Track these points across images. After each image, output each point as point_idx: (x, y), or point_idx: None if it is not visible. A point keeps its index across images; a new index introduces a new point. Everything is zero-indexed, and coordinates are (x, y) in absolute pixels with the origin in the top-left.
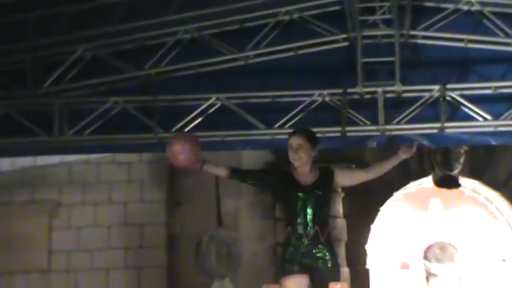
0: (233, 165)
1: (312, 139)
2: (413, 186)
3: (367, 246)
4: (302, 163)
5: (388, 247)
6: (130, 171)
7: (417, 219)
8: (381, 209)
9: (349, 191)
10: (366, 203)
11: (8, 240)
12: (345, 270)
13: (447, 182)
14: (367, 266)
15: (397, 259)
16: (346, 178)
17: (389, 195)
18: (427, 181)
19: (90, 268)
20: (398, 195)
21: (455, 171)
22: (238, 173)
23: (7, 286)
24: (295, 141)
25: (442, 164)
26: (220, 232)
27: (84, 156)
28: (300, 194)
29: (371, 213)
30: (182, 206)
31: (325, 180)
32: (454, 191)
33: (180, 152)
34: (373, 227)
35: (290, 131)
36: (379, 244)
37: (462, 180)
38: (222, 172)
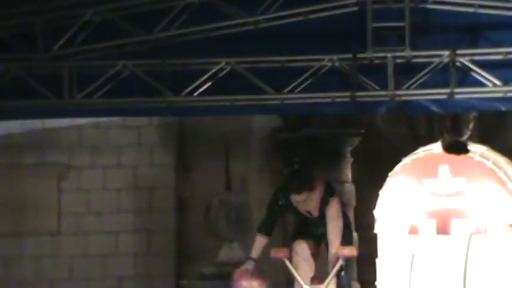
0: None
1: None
2: (421, 152)
3: (375, 212)
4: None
5: (396, 212)
6: (139, 135)
7: (425, 185)
8: (389, 174)
9: (357, 156)
10: (374, 169)
11: (17, 202)
12: (353, 235)
13: (456, 147)
14: (375, 231)
15: (405, 224)
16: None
17: (398, 160)
18: (436, 146)
19: (100, 231)
20: (406, 160)
21: (464, 137)
22: (270, 226)
23: (17, 248)
24: (301, 199)
25: (451, 130)
26: (229, 197)
27: (93, 120)
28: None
29: (379, 179)
30: (191, 171)
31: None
32: (462, 157)
33: None
34: (381, 192)
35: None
36: (387, 209)
37: (471, 145)
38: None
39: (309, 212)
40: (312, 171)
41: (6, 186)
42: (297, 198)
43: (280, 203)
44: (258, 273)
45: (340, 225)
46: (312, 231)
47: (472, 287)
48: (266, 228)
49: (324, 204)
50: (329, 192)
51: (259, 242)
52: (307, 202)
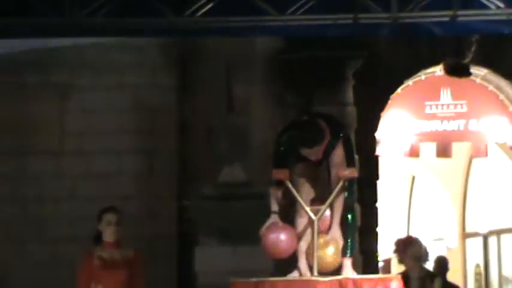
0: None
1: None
2: (423, 75)
3: (376, 134)
4: None
5: (398, 135)
6: (141, 56)
7: (427, 107)
8: (391, 97)
9: (359, 78)
10: (376, 91)
11: (19, 121)
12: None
13: (458, 70)
14: (377, 153)
15: (406, 146)
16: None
17: (400, 83)
18: (438, 69)
19: (102, 151)
20: (408, 83)
21: (466, 60)
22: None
23: (19, 167)
24: (313, 153)
25: (453, 52)
26: (231, 118)
27: (96, 40)
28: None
29: (381, 101)
30: (193, 92)
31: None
32: (464, 80)
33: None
34: (382, 114)
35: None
36: (389, 132)
37: (473, 68)
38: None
39: (315, 154)
40: (320, 119)
41: (8, 105)
42: (308, 153)
43: (284, 145)
44: (283, 225)
45: (349, 156)
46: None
47: (471, 209)
48: (281, 164)
49: (329, 148)
50: (335, 137)
51: (276, 193)
52: (317, 152)
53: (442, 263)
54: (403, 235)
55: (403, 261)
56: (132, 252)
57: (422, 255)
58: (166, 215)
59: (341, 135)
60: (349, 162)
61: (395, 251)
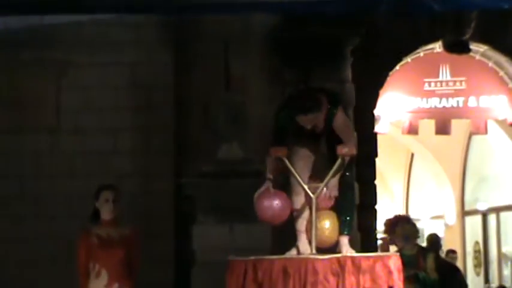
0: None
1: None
2: (422, 51)
3: (375, 111)
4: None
5: (396, 112)
6: (138, 33)
7: (426, 84)
8: (390, 74)
9: (357, 56)
10: (374, 68)
11: (15, 98)
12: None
13: (457, 46)
14: (375, 130)
15: (405, 123)
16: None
17: (398, 59)
18: (437, 46)
19: (98, 128)
20: (407, 60)
21: (466, 36)
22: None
23: (15, 144)
24: (309, 120)
25: (452, 29)
26: (229, 95)
27: (92, 17)
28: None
29: (379, 78)
30: (190, 70)
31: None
32: (463, 56)
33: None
34: (381, 92)
35: None
36: (387, 109)
37: (472, 45)
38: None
39: (315, 126)
40: (317, 91)
41: (4, 82)
42: (303, 120)
43: (283, 122)
44: (277, 191)
45: (347, 131)
46: (312, 137)
47: (470, 187)
48: (280, 141)
49: (329, 117)
50: (333, 104)
51: (272, 162)
52: (313, 121)
53: (434, 240)
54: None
55: (393, 241)
56: (129, 230)
57: (412, 233)
58: (164, 193)
59: (340, 104)
60: (348, 140)
61: (385, 232)
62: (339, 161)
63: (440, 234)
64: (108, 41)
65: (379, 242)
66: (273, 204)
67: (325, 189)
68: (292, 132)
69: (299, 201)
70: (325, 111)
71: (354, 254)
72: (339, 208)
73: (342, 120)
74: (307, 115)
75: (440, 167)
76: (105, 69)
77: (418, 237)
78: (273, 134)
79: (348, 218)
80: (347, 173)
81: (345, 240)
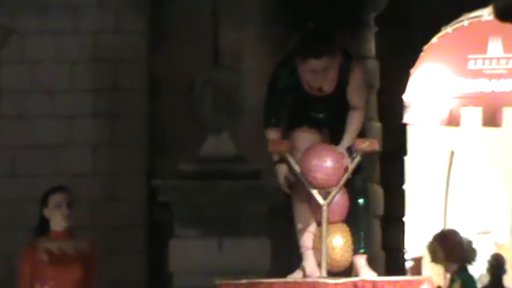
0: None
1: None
2: (466, 20)
3: (404, 96)
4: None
5: (432, 98)
6: None
7: (470, 62)
8: (424, 48)
9: (383, 24)
10: (405, 41)
11: None
12: (375, 125)
13: None
14: (404, 121)
15: (444, 113)
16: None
17: (436, 30)
18: (486, 12)
19: (50, 114)
20: (447, 30)
21: None
22: (278, 114)
23: None
24: (322, 66)
25: None
26: (218, 73)
27: None
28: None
29: (411, 54)
30: (168, 39)
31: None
32: None
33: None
34: (412, 71)
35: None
36: (421, 94)
37: None
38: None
39: (321, 89)
40: (333, 33)
41: None
42: (315, 66)
43: (284, 81)
44: (325, 145)
45: (363, 97)
46: (314, 115)
47: None
48: (274, 119)
49: (343, 72)
50: (348, 58)
51: (274, 136)
52: (324, 73)
53: (498, 262)
54: (439, 227)
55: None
56: (87, 244)
57: (470, 255)
58: (133, 198)
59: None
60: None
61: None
62: (357, 158)
63: (488, 255)
64: (63, 2)
65: (409, 263)
66: (325, 162)
67: (338, 195)
68: (293, 103)
69: (304, 209)
70: (338, 66)
71: (375, 277)
72: (351, 221)
73: (359, 77)
74: (321, 58)
75: (490, 169)
76: (59, 39)
77: (475, 260)
78: (266, 103)
79: (362, 233)
80: (359, 174)
81: (361, 261)
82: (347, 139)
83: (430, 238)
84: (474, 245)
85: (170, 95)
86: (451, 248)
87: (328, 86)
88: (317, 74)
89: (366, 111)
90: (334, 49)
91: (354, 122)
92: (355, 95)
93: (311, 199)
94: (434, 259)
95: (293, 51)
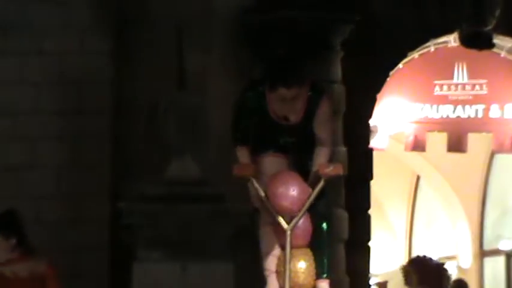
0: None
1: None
2: (433, 45)
3: (370, 121)
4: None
5: (398, 122)
6: (67, 13)
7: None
8: (390, 73)
9: (350, 49)
10: (372, 65)
11: None
12: (341, 150)
13: (477, 40)
14: (371, 145)
15: (409, 138)
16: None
17: (402, 55)
18: (452, 39)
19: (12, 135)
20: (413, 56)
21: (488, 27)
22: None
23: None
24: (291, 95)
25: (471, 17)
26: (182, 96)
27: None
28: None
29: (377, 79)
30: (133, 61)
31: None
32: (485, 53)
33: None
34: (379, 96)
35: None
36: (387, 118)
37: (496, 38)
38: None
39: (286, 118)
40: (303, 62)
41: None
42: (285, 94)
43: (250, 104)
44: (289, 172)
45: (327, 129)
46: (279, 140)
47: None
48: (242, 136)
49: (311, 104)
50: (317, 90)
51: (244, 154)
52: (292, 102)
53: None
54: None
55: None
56: (44, 266)
57: (444, 281)
58: (96, 220)
59: (325, 92)
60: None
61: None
62: (321, 183)
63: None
64: (27, 23)
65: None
66: (290, 191)
67: (302, 220)
68: (259, 126)
69: (268, 233)
70: (306, 97)
71: None
72: (314, 245)
73: (326, 111)
74: (290, 88)
75: (454, 194)
76: (23, 60)
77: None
78: (233, 124)
79: (325, 258)
80: (323, 199)
81: (324, 285)
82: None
83: (404, 262)
84: (448, 272)
85: (134, 117)
86: (426, 273)
87: (294, 116)
88: (285, 103)
89: (332, 145)
90: (304, 79)
91: (321, 159)
92: (322, 129)
93: (275, 223)
94: (408, 283)
95: (262, 77)
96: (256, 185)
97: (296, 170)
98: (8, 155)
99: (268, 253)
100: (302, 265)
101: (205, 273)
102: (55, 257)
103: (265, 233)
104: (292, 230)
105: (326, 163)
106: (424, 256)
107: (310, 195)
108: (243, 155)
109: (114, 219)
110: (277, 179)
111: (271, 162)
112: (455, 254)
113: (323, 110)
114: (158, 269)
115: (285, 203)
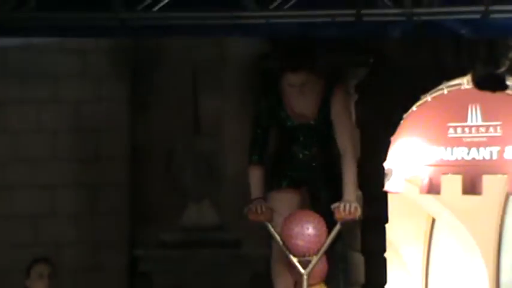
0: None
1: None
2: (446, 88)
3: (385, 164)
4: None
5: (413, 166)
6: (83, 62)
7: (450, 130)
8: (404, 116)
9: (363, 92)
10: (385, 108)
11: None
12: (357, 193)
13: (491, 82)
14: (386, 189)
15: (424, 181)
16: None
17: (415, 98)
18: (465, 81)
19: (31, 184)
20: (426, 98)
21: (502, 69)
22: (262, 151)
23: None
24: (296, 78)
25: (485, 60)
26: (198, 141)
27: (23, 40)
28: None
29: (391, 122)
30: (150, 108)
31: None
32: (499, 94)
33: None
34: (393, 139)
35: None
36: (401, 161)
37: (510, 80)
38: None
39: (304, 116)
40: (314, 48)
41: None
42: (292, 80)
43: (269, 103)
44: (305, 211)
45: (350, 131)
46: (292, 174)
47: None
48: (257, 156)
49: (326, 93)
50: (331, 77)
51: (256, 176)
52: (302, 91)
53: None
54: None
55: None
56: None
57: None
58: (113, 268)
59: (337, 77)
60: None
61: None
62: (338, 227)
63: None
64: (44, 71)
65: None
66: (305, 229)
67: (319, 263)
68: (277, 141)
69: (283, 275)
70: (320, 88)
71: None
72: (332, 286)
73: (341, 99)
74: (296, 72)
75: (470, 236)
76: (40, 108)
77: None
78: (250, 141)
79: None
80: (340, 241)
81: None
82: (349, 191)
83: None
84: None
85: (151, 164)
86: None
87: (310, 110)
88: (298, 94)
89: (356, 150)
90: (312, 63)
91: (348, 170)
92: (339, 122)
93: (291, 264)
94: None
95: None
96: (272, 230)
97: (310, 203)
98: (25, 204)
99: None
100: None
101: None
102: None
103: (279, 272)
104: (308, 275)
105: (342, 206)
106: None
107: (326, 235)
108: (254, 177)
109: (131, 267)
110: (292, 219)
111: (285, 198)
112: None
113: (337, 97)
114: None
115: (301, 243)
